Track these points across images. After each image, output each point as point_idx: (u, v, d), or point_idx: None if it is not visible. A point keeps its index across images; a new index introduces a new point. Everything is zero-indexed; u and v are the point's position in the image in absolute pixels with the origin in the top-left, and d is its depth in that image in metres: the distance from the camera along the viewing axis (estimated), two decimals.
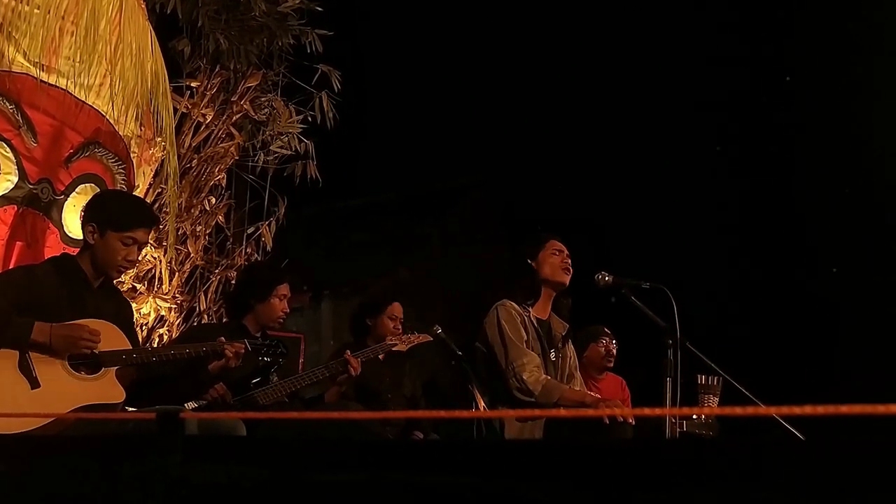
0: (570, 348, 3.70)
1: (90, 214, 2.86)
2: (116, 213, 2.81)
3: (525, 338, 3.40)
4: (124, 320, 2.89)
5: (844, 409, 0.96)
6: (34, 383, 2.51)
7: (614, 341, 4.87)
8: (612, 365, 4.83)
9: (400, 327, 4.07)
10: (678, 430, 3.17)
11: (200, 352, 2.90)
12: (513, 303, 3.50)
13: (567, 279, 3.56)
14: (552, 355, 3.53)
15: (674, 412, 3.04)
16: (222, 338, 2.98)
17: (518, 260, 3.60)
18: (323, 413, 3.02)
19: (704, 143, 5.89)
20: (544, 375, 3.32)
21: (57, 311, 2.65)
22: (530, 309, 3.54)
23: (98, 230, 2.81)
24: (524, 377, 3.27)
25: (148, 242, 2.99)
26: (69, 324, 2.59)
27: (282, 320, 3.64)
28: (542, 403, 3.24)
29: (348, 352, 3.59)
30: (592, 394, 3.49)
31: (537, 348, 3.45)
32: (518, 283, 3.56)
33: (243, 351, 3.01)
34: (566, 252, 3.59)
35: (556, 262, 3.55)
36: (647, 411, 1.53)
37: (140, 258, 3.13)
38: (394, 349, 3.78)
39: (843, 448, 1.02)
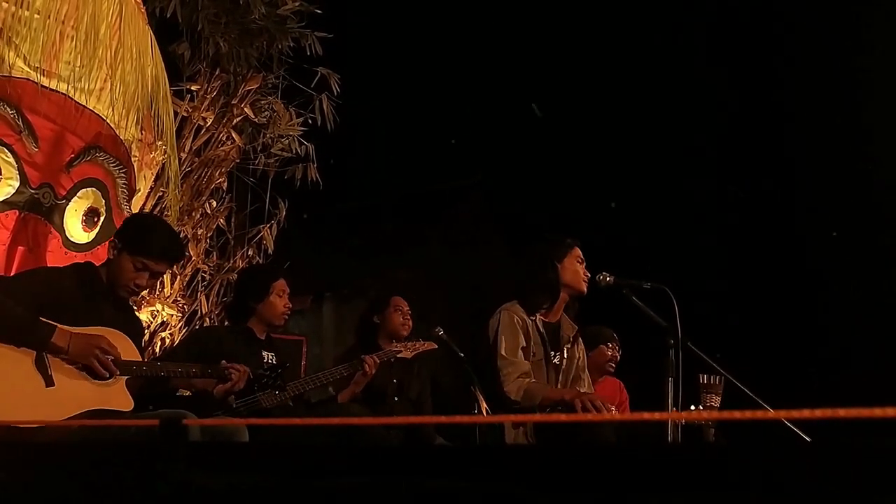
0: (580, 349, 3.76)
1: (118, 230, 2.96)
2: (137, 236, 2.86)
3: (522, 344, 3.49)
4: (135, 335, 2.94)
5: (842, 412, 0.97)
6: (49, 381, 2.56)
7: (618, 348, 4.85)
8: (613, 370, 4.82)
9: (409, 319, 4.07)
10: (680, 425, 3.20)
11: (206, 373, 2.98)
12: (519, 307, 3.55)
13: (585, 289, 3.62)
14: (556, 358, 3.59)
15: (674, 416, 3.06)
16: (224, 361, 3.05)
17: (541, 260, 3.64)
18: (325, 420, 3.02)
19: (705, 142, 5.89)
20: (526, 380, 3.41)
21: (74, 316, 2.69)
22: (538, 315, 3.58)
23: (117, 247, 2.88)
24: (506, 388, 3.39)
25: (163, 274, 3.01)
26: (89, 333, 2.64)
27: (286, 316, 3.65)
28: (525, 408, 3.36)
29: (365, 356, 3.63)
30: (570, 390, 3.54)
31: (539, 353, 3.53)
32: (540, 282, 3.61)
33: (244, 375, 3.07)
34: (584, 262, 3.67)
35: (579, 270, 3.62)
36: (646, 415, 1.53)
37: (151, 287, 3.15)
38: (398, 356, 3.78)
39: (843, 451, 1.02)
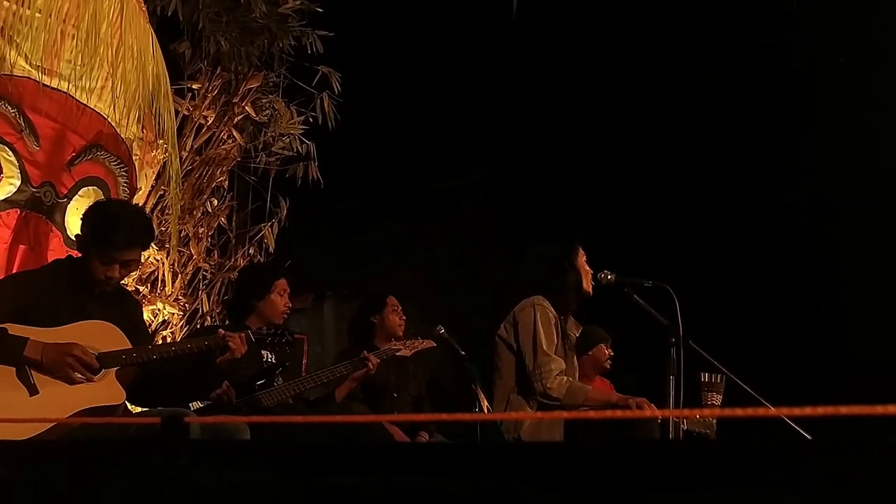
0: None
1: (81, 226, 2.79)
2: (97, 231, 2.71)
3: (556, 342, 3.45)
4: (131, 322, 2.83)
5: (844, 409, 0.97)
6: (33, 390, 2.50)
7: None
8: (609, 369, 4.83)
9: (404, 319, 4.06)
10: (681, 428, 3.20)
11: (203, 346, 2.82)
12: (548, 302, 3.53)
13: (591, 291, 3.60)
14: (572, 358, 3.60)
15: (681, 413, 3.06)
16: (221, 329, 2.93)
17: (561, 262, 3.62)
18: (327, 417, 3.01)
19: (707, 141, 5.89)
20: (567, 379, 3.36)
21: (56, 315, 2.62)
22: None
23: (81, 242, 2.76)
24: (547, 385, 3.35)
25: (136, 261, 2.81)
26: (62, 343, 2.54)
27: (286, 315, 3.63)
28: (567, 405, 3.32)
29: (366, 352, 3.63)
30: (618, 393, 3.54)
31: (561, 351, 3.50)
32: (567, 285, 3.59)
33: (245, 339, 2.90)
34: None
35: (589, 273, 3.59)
36: (647, 414, 1.53)
37: (128, 274, 3.01)
38: (398, 354, 3.78)
39: (844, 449, 1.02)
